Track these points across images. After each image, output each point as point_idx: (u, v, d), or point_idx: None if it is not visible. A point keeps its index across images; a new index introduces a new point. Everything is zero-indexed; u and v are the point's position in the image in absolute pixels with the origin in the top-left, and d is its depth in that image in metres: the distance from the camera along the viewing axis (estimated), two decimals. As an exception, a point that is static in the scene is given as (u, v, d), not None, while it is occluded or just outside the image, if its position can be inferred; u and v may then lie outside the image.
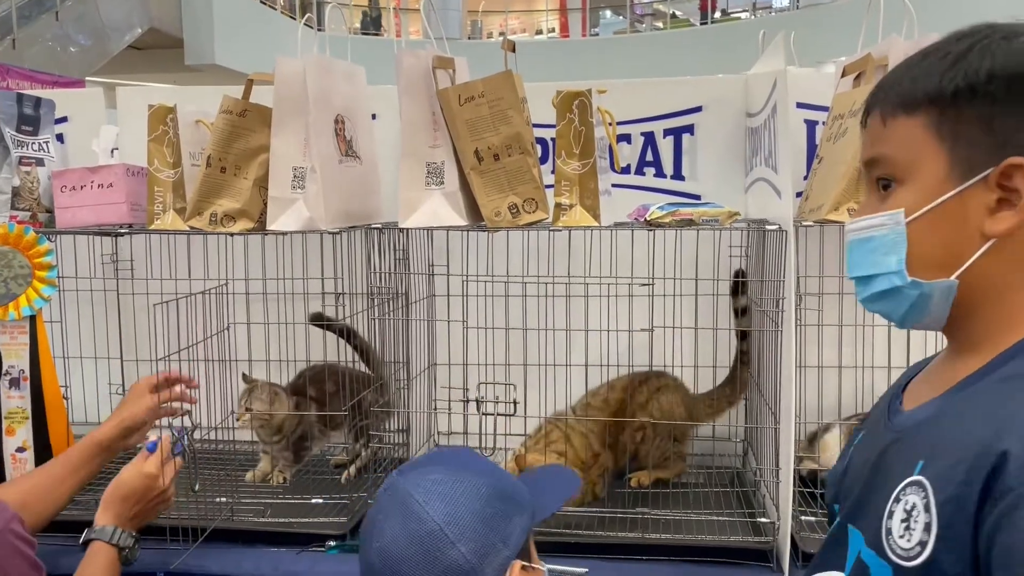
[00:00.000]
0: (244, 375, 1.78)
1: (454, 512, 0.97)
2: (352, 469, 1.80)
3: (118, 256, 2.02)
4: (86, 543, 1.34)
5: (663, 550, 1.51)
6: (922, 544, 0.72)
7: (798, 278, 1.51)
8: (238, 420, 1.70)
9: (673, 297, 1.64)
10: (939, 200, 0.79)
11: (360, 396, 1.72)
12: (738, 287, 1.77)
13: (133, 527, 1.37)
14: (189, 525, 1.46)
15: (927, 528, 0.72)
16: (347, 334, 1.75)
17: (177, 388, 1.57)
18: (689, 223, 1.52)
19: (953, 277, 0.79)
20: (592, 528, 1.56)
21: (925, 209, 0.79)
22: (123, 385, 2.07)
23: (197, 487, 1.39)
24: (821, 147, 1.66)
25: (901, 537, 0.74)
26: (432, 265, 1.91)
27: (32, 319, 1.62)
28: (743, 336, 1.81)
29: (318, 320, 1.77)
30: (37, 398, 1.62)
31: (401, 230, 1.66)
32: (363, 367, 1.84)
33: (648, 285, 1.54)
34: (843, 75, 1.65)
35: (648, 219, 1.53)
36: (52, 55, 9.36)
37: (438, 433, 1.99)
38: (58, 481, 1.44)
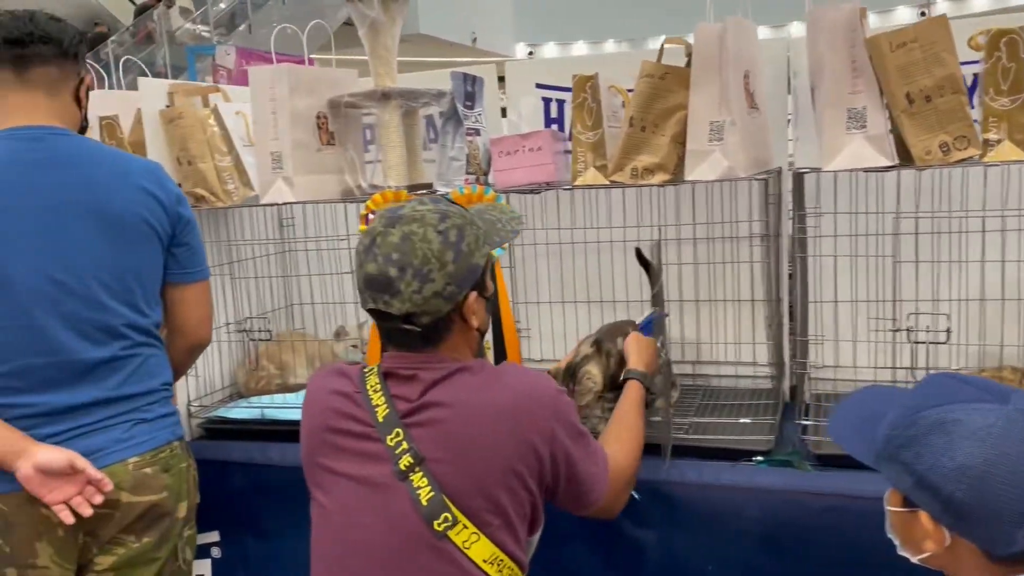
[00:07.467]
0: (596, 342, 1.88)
1: None
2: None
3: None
4: (625, 380, 1.71)
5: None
6: None
7: None
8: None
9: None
10: None
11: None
12: None
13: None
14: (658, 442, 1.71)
15: None
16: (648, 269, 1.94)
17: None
18: None
19: None
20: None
21: None
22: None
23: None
24: None
25: None
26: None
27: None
28: None
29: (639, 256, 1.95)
30: (498, 334, 1.90)
31: (797, 175, 1.79)
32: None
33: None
34: None
35: (1088, 149, 1.56)
36: (281, 35, 10.09)
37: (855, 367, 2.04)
38: None
